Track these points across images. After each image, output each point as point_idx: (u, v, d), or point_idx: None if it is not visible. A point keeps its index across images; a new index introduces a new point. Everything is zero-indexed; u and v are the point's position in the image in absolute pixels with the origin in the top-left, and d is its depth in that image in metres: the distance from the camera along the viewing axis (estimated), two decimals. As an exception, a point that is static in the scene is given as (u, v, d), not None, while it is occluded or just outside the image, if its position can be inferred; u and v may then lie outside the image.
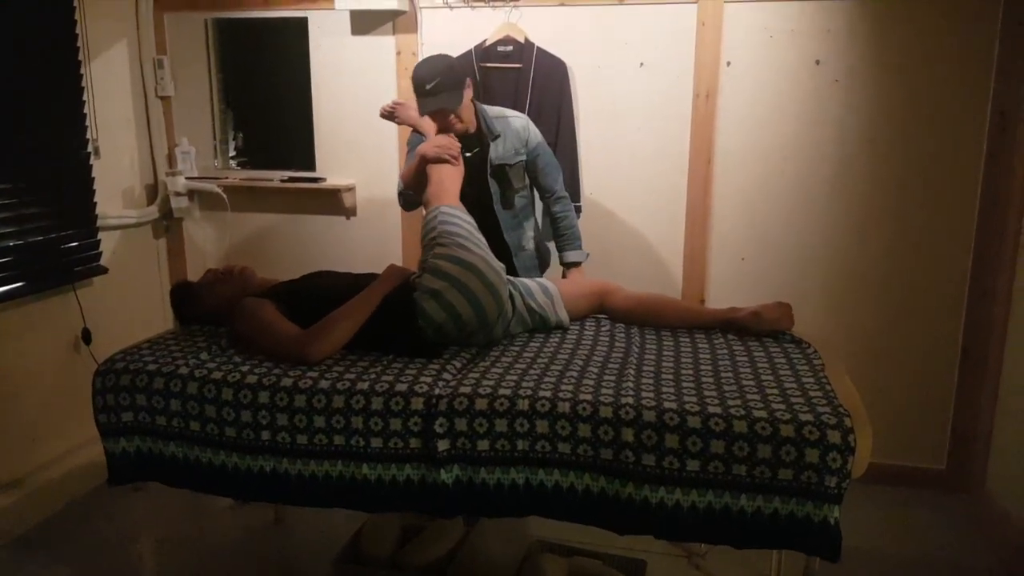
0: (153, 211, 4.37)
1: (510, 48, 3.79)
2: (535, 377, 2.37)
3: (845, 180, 3.70)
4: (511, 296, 2.82)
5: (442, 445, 2.23)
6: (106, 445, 2.54)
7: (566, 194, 3.47)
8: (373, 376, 2.37)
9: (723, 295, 3.88)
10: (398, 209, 4.08)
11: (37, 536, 3.45)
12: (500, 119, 3.33)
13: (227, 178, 4.37)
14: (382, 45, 4.07)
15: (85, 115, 3.83)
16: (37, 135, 3.59)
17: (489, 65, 3.81)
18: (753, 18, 3.65)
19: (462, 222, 2.82)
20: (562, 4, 3.81)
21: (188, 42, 4.30)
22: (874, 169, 3.65)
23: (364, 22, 4.06)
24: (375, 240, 4.28)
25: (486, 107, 3.36)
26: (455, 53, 3.78)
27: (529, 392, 2.24)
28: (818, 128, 3.68)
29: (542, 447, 2.19)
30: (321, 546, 3.29)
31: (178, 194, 4.31)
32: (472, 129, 3.27)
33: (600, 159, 3.93)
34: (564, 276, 3.49)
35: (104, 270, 3.96)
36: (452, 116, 3.15)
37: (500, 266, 2.73)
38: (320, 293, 2.73)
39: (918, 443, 3.83)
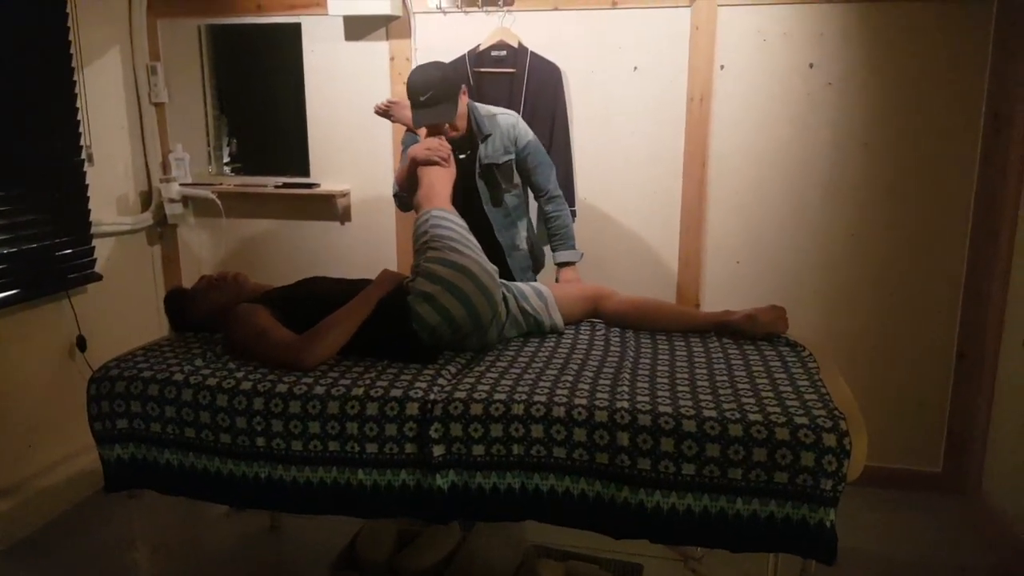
0: (147, 218, 4.36)
1: (504, 53, 3.79)
2: (530, 382, 2.37)
3: (839, 183, 3.70)
4: (504, 299, 2.82)
5: (437, 450, 2.23)
6: (101, 452, 2.53)
7: (559, 193, 3.45)
8: (368, 382, 2.37)
9: (718, 298, 3.88)
10: (392, 214, 4.11)
11: (33, 543, 3.44)
12: (490, 117, 3.32)
13: (221, 184, 4.37)
14: (376, 50, 4.07)
15: (79, 122, 3.82)
16: (30, 142, 3.58)
17: (483, 70, 3.82)
18: (747, 22, 3.65)
19: (454, 225, 2.81)
20: (555, 8, 3.81)
21: (181, 48, 4.30)
22: (868, 172, 3.66)
23: (357, 28, 4.06)
24: (369, 245, 4.28)
25: (478, 105, 3.34)
26: (449, 58, 3.81)
27: (524, 397, 2.24)
28: (812, 131, 3.69)
29: (537, 452, 2.19)
30: (317, 552, 3.28)
31: (172, 200, 4.30)
32: (464, 132, 3.27)
33: (594, 163, 3.94)
34: (557, 277, 3.49)
35: (99, 277, 3.95)
36: (449, 126, 3.17)
37: (493, 268, 2.73)
38: (314, 298, 2.72)
39: (914, 445, 3.83)
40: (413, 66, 3.93)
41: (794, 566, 2.21)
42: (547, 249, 3.59)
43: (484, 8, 3.84)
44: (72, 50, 3.77)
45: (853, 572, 3.12)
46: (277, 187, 4.27)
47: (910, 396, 3.80)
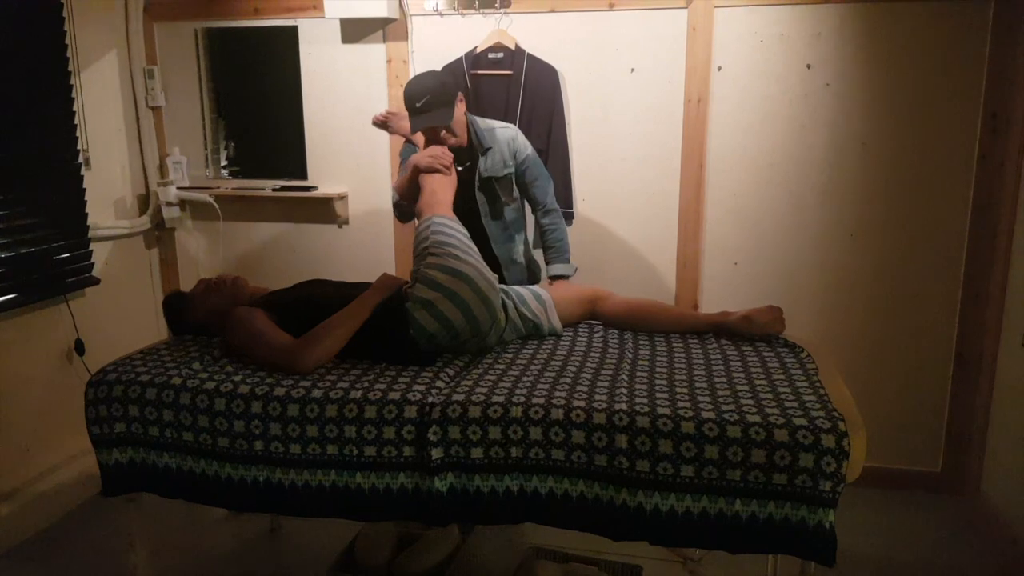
0: (145, 221, 4.36)
1: (501, 55, 3.79)
2: (528, 384, 2.37)
3: (837, 183, 3.70)
4: (504, 304, 2.82)
5: (436, 453, 2.23)
6: (99, 456, 2.53)
7: (556, 207, 3.45)
8: (366, 385, 2.37)
9: (716, 300, 3.88)
10: (390, 217, 4.10)
11: (31, 548, 3.43)
12: (489, 131, 3.33)
13: (219, 188, 4.36)
14: (373, 53, 4.06)
15: (76, 125, 3.82)
16: (28, 146, 3.58)
17: (480, 72, 3.81)
18: (744, 23, 3.65)
19: (455, 232, 2.82)
20: (553, 10, 3.81)
21: (178, 52, 4.30)
22: (866, 172, 3.66)
23: (354, 30, 4.06)
24: (367, 248, 4.27)
25: (478, 119, 3.35)
26: (446, 60, 3.82)
27: (523, 399, 2.24)
28: (809, 132, 3.68)
29: (536, 454, 2.19)
30: (316, 555, 3.28)
31: (170, 204, 4.30)
32: (464, 143, 3.27)
33: (592, 165, 3.93)
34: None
35: (96, 281, 3.94)
36: (444, 131, 3.16)
37: (493, 276, 2.73)
38: (312, 302, 2.72)
39: (913, 446, 3.83)
40: (410, 68, 3.96)
41: (793, 567, 2.21)
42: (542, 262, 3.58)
43: (481, 10, 3.84)
44: (69, 54, 3.76)
45: (852, 573, 3.12)
46: (275, 190, 4.27)
47: (909, 397, 3.79)
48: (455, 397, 2.28)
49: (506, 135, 3.34)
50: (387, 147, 4.11)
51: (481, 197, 3.32)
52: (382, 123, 3.44)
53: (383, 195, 4.17)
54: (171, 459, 2.47)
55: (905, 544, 3.42)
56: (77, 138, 3.83)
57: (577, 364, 2.57)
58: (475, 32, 3.85)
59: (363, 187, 4.22)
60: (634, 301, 3.07)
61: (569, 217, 3.84)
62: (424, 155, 3.10)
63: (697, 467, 2.08)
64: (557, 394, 2.27)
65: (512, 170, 3.35)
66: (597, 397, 2.25)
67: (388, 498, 2.31)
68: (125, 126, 4.25)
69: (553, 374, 2.46)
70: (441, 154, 3.09)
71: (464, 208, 3.14)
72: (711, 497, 2.09)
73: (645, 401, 2.22)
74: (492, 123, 3.38)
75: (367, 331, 2.59)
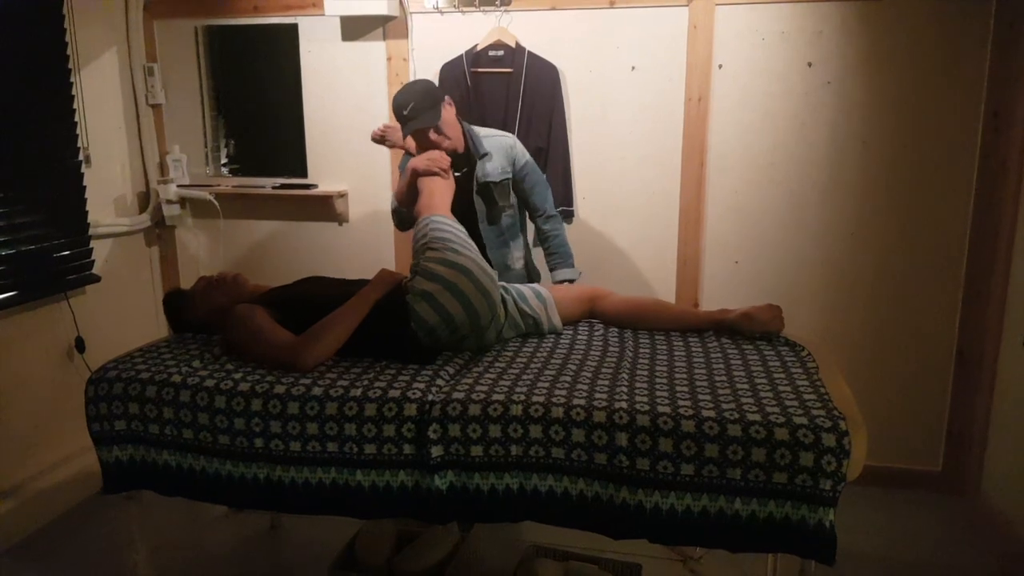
0: (145, 219, 4.36)
1: (501, 53, 3.79)
2: (528, 382, 2.36)
3: (838, 182, 3.70)
4: (503, 300, 2.83)
5: (436, 451, 2.22)
6: (99, 454, 2.53)
7: (556, 213, 3.47)
8: (366, 382, 2.37)
9: (717, 298, 3.87)
10: (390, 215, 4.10)
11: (31, 545, 3.44)
12: (488, 139, 3.35)
13: (219, 185, 4.36)
14: (373, 51, 4.06)
15: (76, 123, 3.82)
16: (28, 144, 3.58)
17: (480, 70, 3.81)
18: (745, 21, 3.65)
19: (453, 229, 2.83)
20: (553, 8, 3.81)
21: (178, 49, 4.30)
22: (867, 171, 3.66)
23: (354, 28, 4.06)
24: (367, 246, 4.27)
25: (475, 127, 3.38)
26: (446, 58, 3.83)
27: (523, 397, 2.24)
28: (810, 130, 3.68)
29: (536, 452, 2.19)
30: (316, 553, 3.28)
31: (170, 202, 4.30)
32: (460, 149, 3.29)
33: (592, 163, 3.93)
34: None
35: (97, 278, 3.94)
36: (435, 135, 3.19)
37: (492, 271, 2.73)
38: (313, 299, 2.72)
39: (913, 445, 3.83)
40: (410, 66, 3.97)
41: (793, 566, 2.21)
42: (543, 271, 3.58)
43: (481, 8, 3.84)
44: (69, 51, 3.76)
45: (852, 572, 3.12)
46: (275, 188, 4.27)
47: (909, 395, 3.79)
48: (455, 395, 2.28)
49: (504, 143, 3.37)
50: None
51: (479, 202, 3.33)
52: (380, 138, 3.47)
53: (383, 193, 4.17)
54: (171, 457, 2.47)
55: (905, 543, 3.42)
56: (77, 136, 3.83)
57: (577, 362, 2.57)
58: (475, 30, 3.85)
59: (363, 185, 4.22)
60: (634, 299, 3.07)
61: (569, 215, 3.84)
62: (422, 158, 3.13)
63: (697, 465, 2.07)
64: (557, 392, 2.27)
65: (509, 176, 3.37)
66: (597, 395, 2.25)
67: (388, 496, 2.30)
68: (125, 124, 4.25)
69: (553, 372, 2.46)
70: (439, 157, 3.12)
71: (461, 213, 3.14)
72: (711, 496, 2.08)
73: (645, 399, 2.22)
74: (490, 131, 3.41)
75: (368, 326, 2.59)
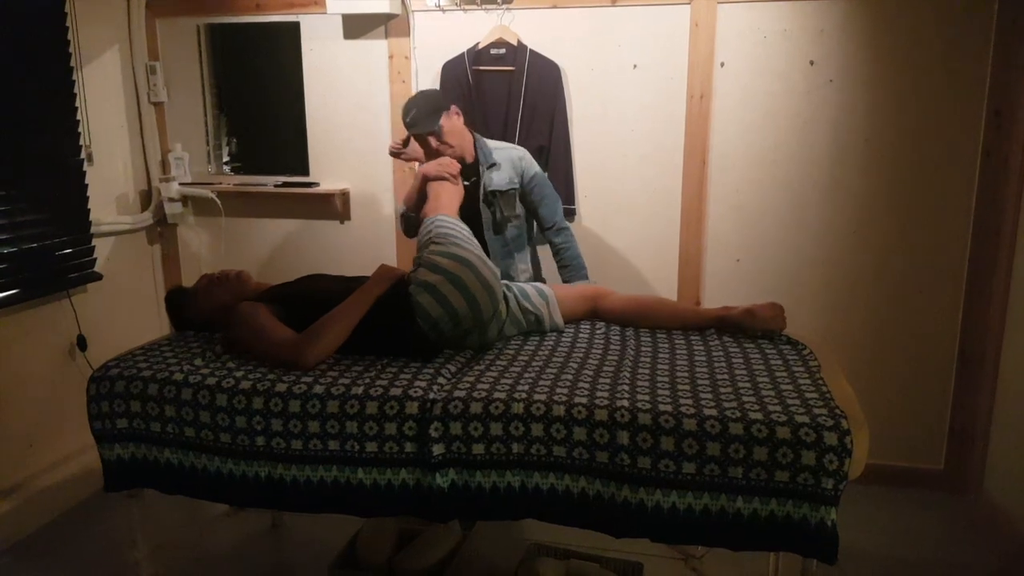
0: (147, 217, 4.36)
1: (503, 51, 3.79)
2: (530, 380, 2.36)
3: (840, 180, 3.69)
4: (505, 298, 2.83)
5: (437, 449, 2.22)
6: (101, 452, 2.53)
7: (566, 225, 3.50)
8: (368, 381, 2.37)
9: (718, 297, 3.87)
10: (391, 213, 4.11)
11: (33, 543, 3.44)
12: (497, 150, 3.43)
13: (221, 183, 4.36)
14: (374, 49, 4.06)
15: (78, 121, 3.82)
16: (30, 142, 3.58)
17: (482, 68, 3.81)
18: (747, 19, 3.65)
19: (458, 227, 2.85)
20: (555, 6, 3.80)
21: (180, 48, 4.30)
22: (869, 169, 3.65)
23: (356, 26, 4.06)
24: (369, 244, 4.27)
25: (486, 140, 3.45)
26: (448, 56, 3.84)
27: (524, 395, 2.24)
28: (812, 128, 3.68)
29: (537, 450, 2.18)
30: (318, 551, 3.28)
31: (172, 200, 4.30)
32: (468, 158, 3.37)
33: (594, 161, 3.93)
34: None
35: (99, 276, 3.94)
36: (436, 142, 3.28)
37: (496, 268, 2.73)
38: (315, 296, 2.72)
39: (915, 443, 3.83)
40: (412, 64, 3.98)
41: (795, 565, 2.21)
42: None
43: (483, 6, 3.83)
44: (71, 50, 3.76)
45: (854, 571, 3.12)
46: (276, 186, 4.26)
47: (911, 394, 3.79)
48: (457, 393, 2.27)
49: (513, 154, 3.43)
50: (388, 143, 4.10)
51: (485, 211, 3.39)
52: (397, 151, 3.54)
53: (384, 191, 4.18)
54: (173, 455, 2.47)
55: (907, 542, 3.42)
56: (79, 134, 3.83)
57: (579, 361, 2.56)
58: (477, 28, 3.85)
59: (364, 183, 4.22)
60: (636, 298, 3.07)
61: (571, 214, 3.84)
62: (432, 164, 3.21)
63: (699, 464, 2.07)
64: (559, 390, 2.27)
65: (517, 187, 3.41)
66: (599, 394, 2.25)
67: (389, 494, 2.30)
68: (127, 122, 4.25)
69: (555, 370, 2.46)
70: (449, 163, 3.20)
71: (468, 221, 3.17)
72: (713, 494, 2.08)
73: (647, 398, 2.21)
74: (500, 143, 3.49)
75: (371, 321, 2.59)
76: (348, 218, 4.29)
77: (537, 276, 3.64)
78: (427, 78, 3.98)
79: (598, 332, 2.89)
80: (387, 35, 4.02)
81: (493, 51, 3.80)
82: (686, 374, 2.43)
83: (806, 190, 3.74)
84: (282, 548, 3.45)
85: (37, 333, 3.68)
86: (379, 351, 2.62)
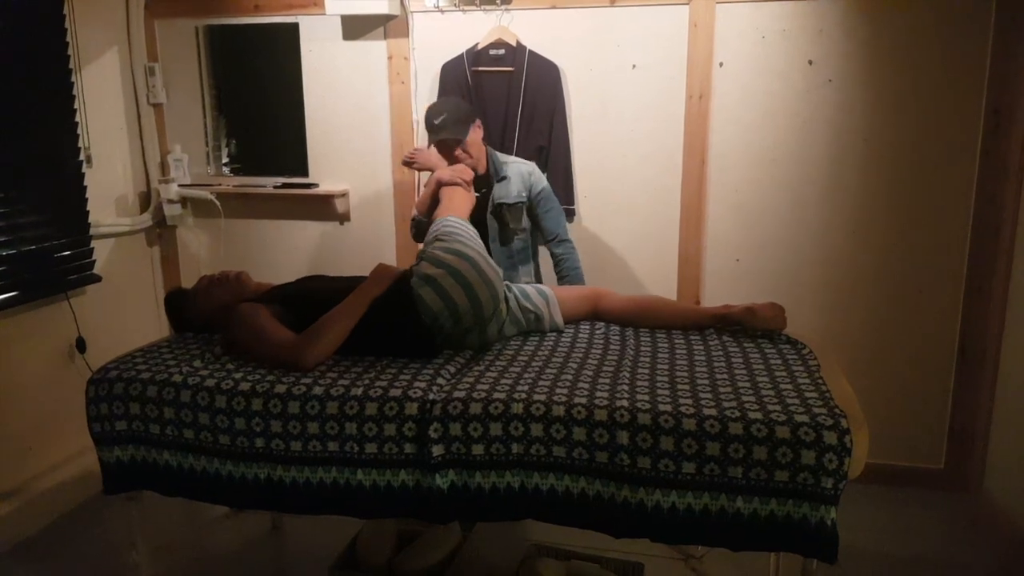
0: (146, 219, 4.36)
1: (502, 51, 3.79)
2: (530, 381, 2.36)
3: (839, 180, 3.69)
4: (506, 298, 2.83)
5: (437, 450, 2.22)
6: (100, 454, 2.53)
7: (569, 237, 3.53)
8: (367, 382, 2.36)
9: (718, 296, 3.87)
10: (391, 214, 4.12)
11: (33, 545, 3.44)
12: (508, 164, 3.48)
13: (220, 185, 4.36)
14: (373, 50, 4.06)
15: (77, 123, 3.82)
16: (29, 144, 3.58)
17: (481, 69, 3.81)
18: (745, 19, 3.65)
19: (463, 227, 2.89)
20: (553, 7, 3.80)
21: (179, 49, 4.30)
22: (868, 169, 3.65)
23: (355, 27, 4.06)
24: (369, 245, 4.27)
25: (498, 153, 3.51)
26: (447, 57, 3.84)
27: (524, 396, 2.23)
28: (811, 128, 3.68)
29: (537, 451, 2.18)
30: (318, 553, 3.28)
31: (171, 201, 4.30)
32: (481, 170, 3.43)
33: (593, 161, 3.93)
34: None
35: (98, 278, 3.94)
36: (460, 150, 3.33)
37: (498, 268, 2.74)
38: (315, 297, 2.72)
39: (916, 442, 3.83)
40: (411, 65, 3.97)
41: (795, 565, 2.21)
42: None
43: (482, 7, 3.83)
44: (70, 51, 3.76)
45: (855, 570, 3.12)
46: (276, 188, 4.26)
47: (912, 393, 3.79)
48: (456, 394, 2.27)
49: (523, 169, 3.49)
50: (388, 145, 4.12)
51: (492, 222, 3.45)
52: (410, 161, 3.56)
53: (384, 192, 4.18)
54: (172, 457, 2.47)
55: (907, 541, 3.42)
56: (78, 135, 3.83)
57: (578, 361, 2.56)
58: (476, 29, 3.84)
59: (364, 184, 4.22)
60: (637, 297, 3.08)
61: (571, 214, 3.84)
62: (447, 170, 3.29)
63: (698, 464, 2.07)
64: (558, 391, 2.27)
65: (524, 200, 3.46)
66: (598, 394, 2.25)
67: (389, 495, 2.30)
68: (126, 123, 4.25)
69: (554, 371, 2.45)
70: (463, 170, 3.29)
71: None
72: (712, 494, 2.08)
73: (646, 398, 2.21)
74: (511, 158, 3.55)
75: (372, 317, 2.58)
76: (348, 219, 4.29)
77: None
78: (426, 79, 3.98)
79: (597, 332, 2.89)
80: (386, 36, 4.02)
81: (492, 52, 3.80)
82: (686, 374, 2.43)
83: (805, 189, 3.74)
84: (282, 550, 3.45)
85: (36, 335, 3.68)
86: (380, 348, 2.61)
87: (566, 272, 3.49)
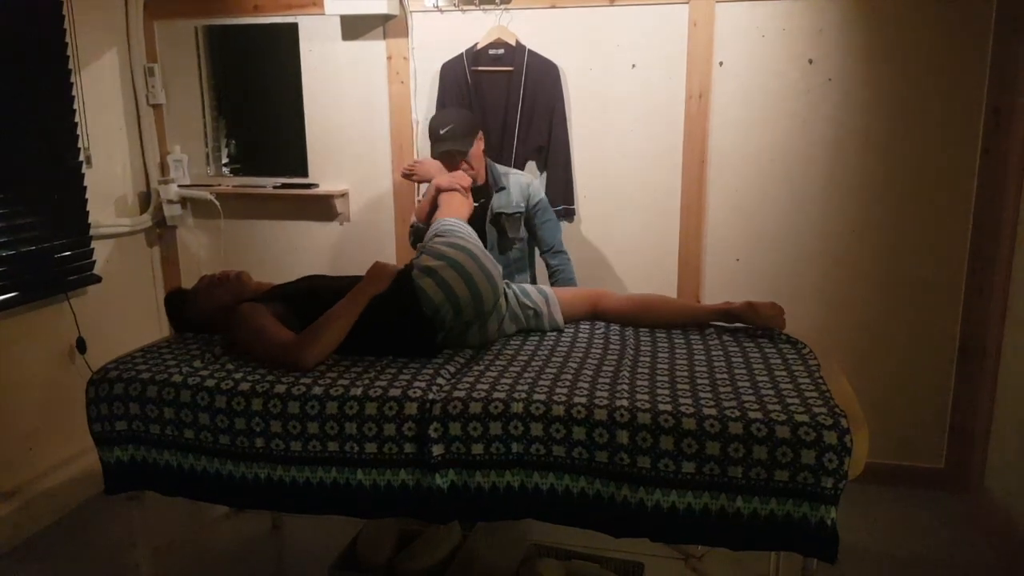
0: (146, 219, 4.36)
1: (501, 51, 3.79)
2: (530, 380, 2.36)
3: (839, 178, 3.69)
4: (505, 294, 2.85)
5: (436, 449, 2.22)
6: (101, 454, 2.53)
7: (564, 249, 3.57)
8: (367, 381, 2.36)
9: (718, 296, 3.86)
10: (391, 215, 4.12)
11: (33, 547, 3.44)
12: (507, 175, 3.53)
13: (220, 185, 4.37)
14: (373, 50, 4.06)
15: (76, 124, 3.82)
16: (29, 145, 3.58)
17: (480, 69, 3.81)
18: (745, 18, 3.64)
19: (462, 226, 2.90)
20: (553, 6, 3.80)
21: (179, 50, 4.30)
22: (868, 167, 3.65)
23: (354, 27, 4.05)
24: (368, 245, 4.27)
25: (497, 165, 3.55)
26: (446, 57, 3.84)
27: (524, 395, 2.23)
28: (812, 127, 3.68)
29: (537, 450, 2.18)
30: (318, 553, 3.28)
31: (171, 202, 4.30)
32: (480, 181, 3.46)
33: (593, 161, 3.93)
34: None
35: (98, 279, 3.94)
36: (463, 163, 3.37)
37: (496, 264, 2.75)
38: (315, 296, 2.72)
39: (916, 442, 3.82)
40: (410, 65, 3.97)
41: (796, 564, 2.21)
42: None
43: (481, 6, 3.83)
44: (69, 52, 3.76)
45: (855, 570, 3.12)
46: (276, 188, 4.26)
47: (912, 392, 3.79)
48: (456, 393, 2.27)
49: (522, 180, 3.54)
50: (387, 145, 4.12)
51: (491, 231, 3.48)
52: (409, 172, 3.56)
53: (384, 192, 4.17)
54: (172, 457, 2.47)
55: (908, 541, 3.42)
56: (78, 136, 3.83)
57: (578, 360, 2.56)
58: (475, 28, 3.84)
59: (364, 184, 4.22)
60: (636, 296, 3.08)
61: (570, 214, 3.84)
62: (446, 176, 3.30)
63: (698, 463, 2.07)
64: (558, 390, 2.27)
65: (522, 211, 3.50)
66: (598, 393, 2.25)
67: (389, 495, 2.30)
68: (126, 124, 4.25)
69: (554, 370, 2.45)
70: (461, 176, 3.31)
71: None
72: (712, 494, 2.08)
73: (646, 397, 2.21)
74: (510, 169, 3.60)
75: (373, 315, 2.59)
76: (347, 219, 4.29)
77: None
78: (426, 79, 3.98)
79: (597, 331, 2.89)
80: (385, 36, 4.02)
81: (492, 51, 3.80)
82: (685, 373, 2.43)
83: (805, 188, 3.73)
84: (282, 550, 3.45)
85: (36, 336, 3.68)
86: (381, 346, 2.62)
87: (562, 283, 3.52)
